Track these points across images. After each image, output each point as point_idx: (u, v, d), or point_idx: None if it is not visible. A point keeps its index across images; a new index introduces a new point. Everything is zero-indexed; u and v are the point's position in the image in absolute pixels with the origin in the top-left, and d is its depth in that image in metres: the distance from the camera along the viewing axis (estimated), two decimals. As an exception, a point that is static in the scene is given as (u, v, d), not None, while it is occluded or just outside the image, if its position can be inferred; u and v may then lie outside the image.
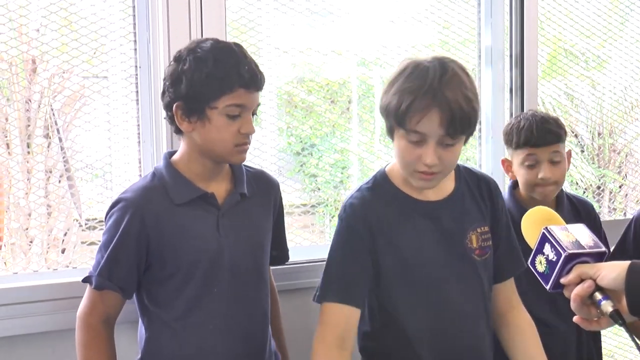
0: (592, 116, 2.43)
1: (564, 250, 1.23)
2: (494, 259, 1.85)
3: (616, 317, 1.17)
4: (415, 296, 1.75)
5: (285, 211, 2.06)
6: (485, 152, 2.87)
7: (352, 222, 1.73)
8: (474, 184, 1.84)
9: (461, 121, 1.61)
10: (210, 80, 1.70)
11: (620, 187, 3.79)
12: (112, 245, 1.75)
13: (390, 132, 1.69)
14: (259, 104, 1.81)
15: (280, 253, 2.04)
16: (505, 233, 1.88)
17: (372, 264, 1.74)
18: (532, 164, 2.18)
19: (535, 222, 1.34)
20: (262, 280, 1.89)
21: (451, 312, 1.77)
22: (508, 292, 1.90)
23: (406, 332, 1.75)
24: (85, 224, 2.65)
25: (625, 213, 3.66)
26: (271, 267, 2.02)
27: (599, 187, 3.42)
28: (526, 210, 2.11)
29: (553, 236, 1.25)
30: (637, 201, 3.74)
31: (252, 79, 1.73)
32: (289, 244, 2.10)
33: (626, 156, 3.74)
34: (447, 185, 1.79)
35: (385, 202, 1.75)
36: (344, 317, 1.70)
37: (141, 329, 1.86)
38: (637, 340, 1.16)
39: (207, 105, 1.72)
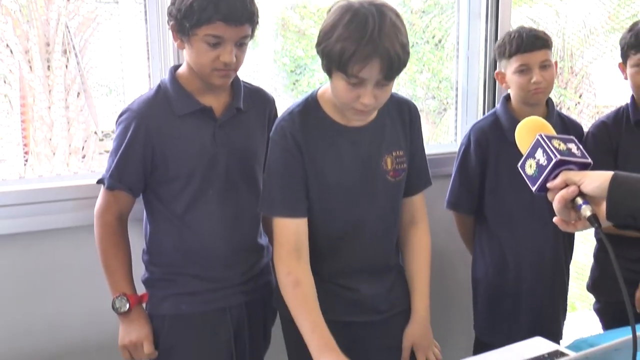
0: (554, 41, 2.44)
1: (555, 156, 1.22)
2: (407, 178, 1.85)
3: (593, 221, 1.18)
4: (332, 214, 1.76)
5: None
6: (462, 71, 2.84)
7: (284, 143, 1.71)
8: (395, 109, 1.81)
9: (398, 66, 1.59)
10: (193, 9, 1.68)
11: (576, 105, 3.81)
12: (120, 151, 1.78)
13: (329, 72, 1.65)
14: (248, 35, 1.77)
15: None
16: (419, 152, 1.88)
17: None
18: (524, 70, 2.17)
19: (529, 130, 1.31)
20: (254, 186, 1.91)
21: (364, 226, 1.78)
22: (413, 207, 1.90)
23: (319, 247, 1.76)
24: (102, 135, 2.68)
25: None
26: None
27: (557, 105, 3.43)
28: (518, 121, 2.14)
29: (546, 142, 1.25)
30: (591, 117, 3.77)
31: (232, 14, 1.69)
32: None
33: (582, 78, 3.76)
34: None
35: (313, 127, 1.72)
36: (294, 230, 1.70)
37: (146, 225, 1.90)
38: (609, 245, 1.16)
39: (190, 31, 1.71)
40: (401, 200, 1.86)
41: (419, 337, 1.83)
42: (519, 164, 1.30)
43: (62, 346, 2.16)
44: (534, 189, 1.27)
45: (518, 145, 1.32)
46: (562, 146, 1.25)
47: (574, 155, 1.25)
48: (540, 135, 1.26)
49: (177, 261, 1.86)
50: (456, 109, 2.87)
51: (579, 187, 1.20)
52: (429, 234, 1.91)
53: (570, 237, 2.32)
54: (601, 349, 1.41)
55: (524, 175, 1.29)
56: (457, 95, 2.87)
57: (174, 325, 1.86)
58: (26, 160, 2.55)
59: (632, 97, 2.23)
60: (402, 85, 2.89)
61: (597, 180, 1.18)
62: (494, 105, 2.75)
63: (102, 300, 1.90)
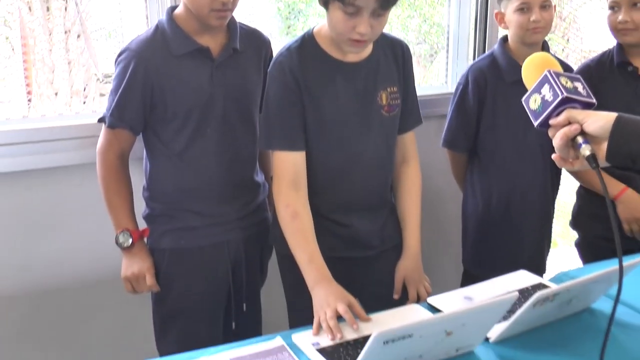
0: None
1: (562, 93, 1.19)
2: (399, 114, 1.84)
3: (591, 161, 1.16)
4: (329, 148, 1.74)
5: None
6: (454, 16, 2.78)
7: (282, 79, 1.69)
8: (389, 48, 1.79)
9: None
10: None
11: (563, 49, 3.77)
12: (120, 90, 1.76)
13: (325, 4, 1.62)
14: None
15: None
16: (411, 92, 1.86)
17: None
18: (525, 9, 2.11)
19: (537, 65, 1.28)
20: (251, 125, 1.89)
21: (360, 160, 1.77)
22: (405, 146, 1.88)
23: (317, 182, 1.75)
24: (103, 77, 2.65)
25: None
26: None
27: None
28: (516, 62, 2.13)
29: (554, 79, 1.21)
30: (576, 62, 3.73)
31: None
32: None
33: (570, 23, 3.70)
34: (366, 48, 1.74)
35: (311, 62, 1.70)
36: (293, 163, 1.69)
37: (146, 163, 1.89)
38: (605, 184, 1.15)
39: None
40: (395, 136, 1.84)
41: (411, 271, 1.83)
42: (523, 98, 1.27)
43: (68, 280, 2.18)
44: (536, 123, 1.25)
45: (524, 79, 1.29)
46: (569, 84, 1.22)
47: (579, 94, 1.22)
48: (549, 71, 1.23)
49: (176, 198, 1.85)
50: (447, 52, 2.84)
51: (581, 125, 1.18)
52: (420, 171, 1.90)
53: (557, 177, 2.32)
54: (581, 281, 1.42)
55: (527, 109, 1.26)
56: (448, 39, 2.83)
57: (174, 259, 1.87)
58: (29, 101, 2.52)
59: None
60: (394, 31, 2.85)
61: (600, 120, 1.16)
62: (484, 50, 2.73)
63: (104, 235, 1.91)
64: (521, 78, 2.10)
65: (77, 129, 2.08)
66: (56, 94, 2.90)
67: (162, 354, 1.87)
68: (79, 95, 2.94)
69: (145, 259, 1.84)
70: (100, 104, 2.53)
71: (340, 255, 1.78)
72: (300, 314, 1.56)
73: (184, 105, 1.78)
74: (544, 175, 2.23)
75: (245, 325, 1.99)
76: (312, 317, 1.52)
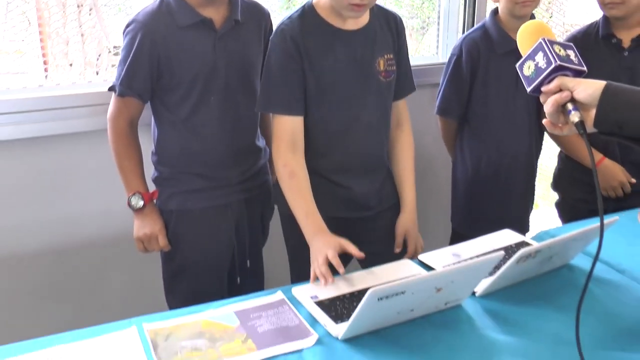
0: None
1: (555, 61, 1.16)
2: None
3: (579, 127, 1.13)
4: (329, 111, 1.72)
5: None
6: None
7: (284, 46, 1.66)
8: (384, 19, 1.77)
9: None
10: None
11: (546, 23, 3.70)
12: (129, 60, 1.72)
13: None
14: None
15: None
16: (405, 61, 1.84)
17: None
18: None
19: (532, 33, 1.24)
20: (252, 93, 1.85)
21: (358, 123, 1.74)
22: (399, 111, 1.86)
23: (317, 144, 1.74)
24: (114, 49, 2.61)
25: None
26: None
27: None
28: (507, 34, 2.10)
29: (549, 47, 1.18)
30: (559, 36, 3.68)
31: None
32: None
33: (554, -4, 3.64)
34: (363, 18, 1.72)
35: (311, 30, 1.67)
36: (291, 126, 1.67)
37: (154, 129, 1.86)
38: (591, 149, 1.13)
39: None
40: (391, 102, 1.82)
41: (411, 226, 1.83)
42: (517, 64, 1.24)
43: (84, 239, 2.17)
44: (529, 89, 1.22)
45: (519, 46, 1.26)
46: (562, 52, 1.18)
47: (571, 62, 1.18)
48: (544, 39, 1.19)
49: (182, 162, 1.82)
50: (438, 25, 2.80)
51: (572, 92, 1.15)
52: (412, 135, 1.89)
53: (540, 143, 2.30)
54: (561, 239, 1.41)
55: (520, 75, 1.23)
56: (439, 13, 2.79)
57: (181, 219, 1.85)
58: (46, 72, 2.49)
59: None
60: (388, 5, 2.81)
61: (590, 88, 1.13)
62: (473, 24, 2.69)
63: (116, 197, 1.89)
64: (511, 49, 2.09)
65: (90, 97, 2.05)
66: (71, 65, 2.86)
67: (171, 308, 1.86)
68: (92, 66, 2.91)
69: (156, 220, 1.83)
70: (111, 74, 2.49)
71: (340, 216, 1.77)
72: (301, 268, 1.57)
73: (189, 74, 1.74)
74: (529, 141, 2.21)
75: (248, 281, 1.99)
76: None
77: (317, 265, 1.50)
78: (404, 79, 1.83)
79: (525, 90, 2.13)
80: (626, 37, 2.10)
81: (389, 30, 1.77)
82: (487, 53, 2.14)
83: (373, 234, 1.86)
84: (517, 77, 2.08)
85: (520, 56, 1.26)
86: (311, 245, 1.59)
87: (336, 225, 1.65)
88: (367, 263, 1.58)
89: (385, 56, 1.74)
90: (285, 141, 1.67)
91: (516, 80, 2.11)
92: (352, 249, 1.55)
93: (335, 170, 1.77)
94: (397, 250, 1.82)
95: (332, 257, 1.49)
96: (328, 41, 1.68)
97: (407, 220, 1.83)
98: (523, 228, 2.30)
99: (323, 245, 1.54)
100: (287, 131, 1.67)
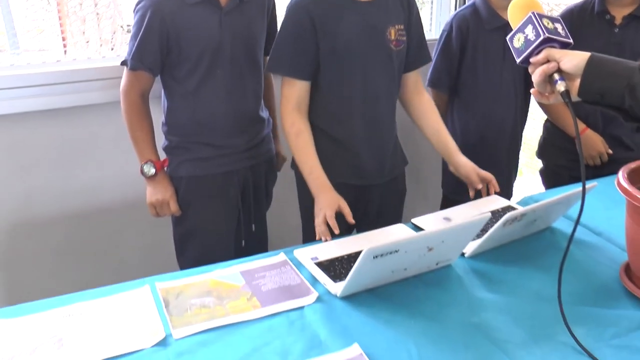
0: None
1: (544, 33, 1.14)
2: (409, 53, 1.80)
3: (565, 96, 1.12)
4: (341, 78, 1.71)
5: (277, 13, 1.95)
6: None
7: (298, 15, 1.65)
8: None
9: None
10: None
11: None
12: (140, 36, 1.69)
13: None
14: None
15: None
16: (418, 33, 1.82)
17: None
18: None
19: (522, 7, 1.21)
20: (256, 67, 1.84)
21: (369, 88, 1.73)
22: (416, 79, 1.86)
23: (331, 110, 1.74)
24: (127, 27, 2.57)
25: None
26: (267, 57, 1.98)
27: None
28: (495, 11, 2.08)
29: (538, 20, 1.16)
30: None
31: None
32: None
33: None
34: None
35: (325, 1, 1.66)
36: (298, 89, 1.69)
37: (164, 101, 1.84)
38: (576, 117, 1.11)
39: None
40: (401, 72, 1.81)
41: (474, 165, 1.77)
42: (508, 36, 1.21)
43: (100, 204, 2.16)
44: (518, 60, 1.19)
45: (509, 19, 1.22)
46: (550, 25, 1.16)
47: (559, 34, 1.16)
48: (533, 13, 1.16)
49: (191, 131, 1.80)
50: (432, 3, 2.77)
51: (558, 63, 1.13)
52: None
53: (525, 113, 2.28)
54: (544, 203, 1.40)
55: (511, 47, 1.20)
56: (433, -9, 2.75)
57: (190, 186, 1.83)
58: (65, 48, 2.46)
59: None
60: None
61: (575, 59, 1.11)
62: (464, 2, 2.64)
63: (130, 165, 1.88)
64: (499, 26, 2.05)
65: (104, 71, 2.02)
66: (87, 42, 2.83)
67: (182, 269, 1.86)
68: (107, 43, 2.87)
69: (167, 187, 1.81)
70: (125, 50, 2.47)
71: (348, 182, 1.77)
72: (313, 230, 1.58)
73: (196, 49, 1.71)
74: (515, 111, 2.19)
75: (253, 244, 1.98)
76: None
77: (317, 223, 1.55)
78: (418, 50, 1.82)
79: (512, 64, 2.12)
80: (619, 15, 2.07)
81: (400, 4, 1.75)
82: (476, 29, 2.10)
83: (380, 202, 1.85)
84: (504, 51, 2.09)
85: (507, 32, 1.23)
86: (316, 202, 1.62)
87: (343, 190, 1.65)
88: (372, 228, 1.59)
89: (397, 26, 1.72)
90: (292, 103, 1.69)
91: (503, 54, 2.08)
92: (346, 213, 1.57)
93: (345, 137, 1.76)
94: (479, 187, 1.73)
95: (330, 217, 1.53)
96: (342, 11, 1.66)
97: (468, 161, 1.78)
98: (508, 194, 2.29)
99: (324, 204, 1.58)
100: (294, 94, 1.69)
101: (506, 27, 2.01)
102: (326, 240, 1.50)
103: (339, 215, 1.57)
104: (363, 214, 1.81)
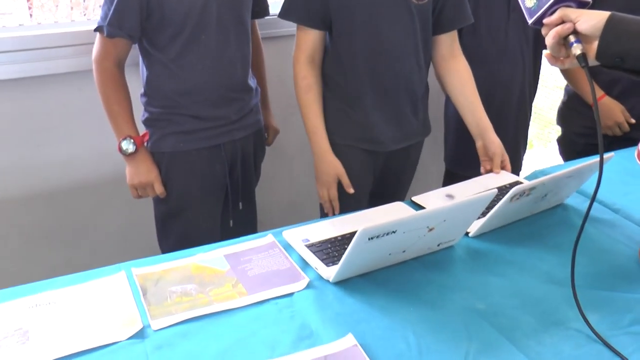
0: None
1: None
2: (443, 12, 1.78)
3: (581, 59, 1.10)
4: (351, 29, 1.71)
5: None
6: None
7: None
8: None
9: None
10: None
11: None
12: None
13: None
14: None
15: (260, 8, 1.94)
16: None
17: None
18: None
19: None
20: (244, 30, 1.80)
21: (383, 44, 1.72)
22: (451, 42, 1.84)
23: (341, 56, 1.76)
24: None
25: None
26: (256, 20, 1.95)
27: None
28: None
29: None
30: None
31: None
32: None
33: None
34: None
35: None
36: (312, 40, 1.74)
37: (143, 69, 1.80)
38: (593, 83, 1.09)
39: None
40: (427, 31, 1.78)
41: (501, 145, 1.78)
42: None
43: (72, 182, 2.14)
44: (530, 21, 1.17)
45: None
46: None
47: None
48: None
49: (174, 102, 1.76)
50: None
51: (574, 24, 1.10)
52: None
53: (535, 79, 2.25)
54: (555, 176, 1.38)
55: (522, 6, 1.18)
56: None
57: (173, 162, 1.81)
58: (30, 11, 2.41)
59: None
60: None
61: (593, 19, 1.08)
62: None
63: (105, 138, 1.85)
64: (503, -17, 2.01)
65: (73, 37, 1.97)
66: (57, 5, 2.77)
67: (164, 252, 1.84)
68: (79, 7, 2.82)
69: (151, 167, 1.78)
70: (97, 14, 2.42)
71: (355, 145, 1.80)
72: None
73: (180, 11, 1.67)
74: (522, 76, 2.17)
75: (242, 223, 1.97)
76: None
77: (321, 199, 1.80)
78: (453, 10, 1.79)
79: (518, 24, 2.08)
80: None
81: None
82: None
83: (387, 172, 1.86)
84: (509, 10, 2.05)
85: None
86: (315, 165, 1.78)
87: (351, 155, 1.73)
88: (377, 201, 1.61)
89: None
90: (305, 54, 1.76)
91: (507, 13, 2.06)
92: (345, 183, 1.73)
93: (355, 95, 1.77)
94: (497, 171, 1.74)
95: (333, 198, 1.75)
96: None
97: (499, 140, 1.78)
98: (516, 168, 2.28)
99: (322, 176, 1.77)
100: (308, 44, 1.75)
101: None
102: (334, 214, 1.71)
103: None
104: (373, 182, 1.81)
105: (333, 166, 1.75)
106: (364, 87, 1.76)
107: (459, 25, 1.83)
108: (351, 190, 1.73)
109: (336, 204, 1.77)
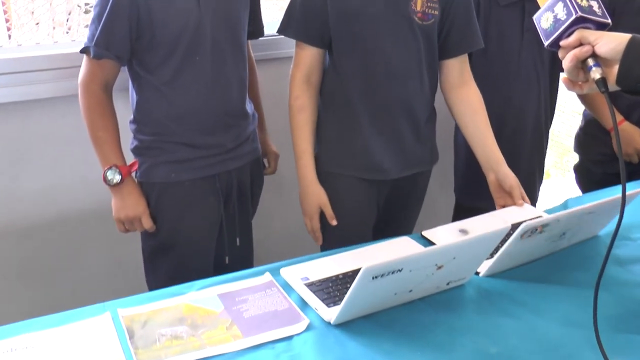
0: None
1: (576, 12, 1.12)
2: (450, 35, 1.80)
3: (601, 85, 1.10)
4: (350, 48, 1.75)
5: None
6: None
7: None
8: None
9: None
10: None
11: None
12: (105, 17, 1.65)
13: None
14: None
15: (255, 29, 1.96)
16: (464, 11, 1.81)
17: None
18: None
19: None
20: (240, 52, 1.83)
21: (384, 64, 1.75)
22: (461, 68, 1.86)
23: (341, 76, 1.79)
24: (85, 7, 2.55)
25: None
26: (249, 40, 1.97)
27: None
28: None
29: None
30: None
31: None
32: (265, 20, 2.01)
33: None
34: None
35: None
36: (309, 57, 1.79)
37: (132, 93, 1.81)
38: (614, 108, 1.11)
39: None
40: (433, 52, 1.81)
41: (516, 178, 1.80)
42: (535, 15, 1.20)
43: (53, 215, 2.14)
44: (546, 44, 1.18)
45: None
46: (584, 2, 1.14)
47: (594, 13, 1.14)
48: None
49: (166, 129, 1.78)
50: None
51: (593, 47, 1.11)
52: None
53: (552, 104, 2.27)
54: (574, 212, 1.38)
55: (538, 28, 1.19)
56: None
57: (164, 193, 1.81)
58: (9, 31, 2.43)
59: None
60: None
61: (613, 42, 1.09)
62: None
63: (90, 169, 1.87)
64: (515, 1, 2.04)
65: (56, 60, 2.00)
66: (37, 24, 2.80)
67: (151, 289, 1.84)
68: (62, 26, 2.85)
69: (139, 201, 1.78)
70: (83, 35, 2.45)
71: (353, 175, 1.83)
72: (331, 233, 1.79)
73: (172, 31, 1.69)
74: (538, 101, 2.19)
75: (238, 260, 1.96)
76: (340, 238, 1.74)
77: (308, 231, 1.85)
78: (460, 33, 1.82)
79: (533, 46, 2.11)
80: None
81: None
82: (488, 5, 2.09)
83: (390, 203, 1.89)
84: (522, 30, 2.08)
85: (524, 9, 1.22)
86: (299, 194, 1.84)
87: (350, 186, 1.77)
88: (381, 235, 1.65)
89: None
90: (302, 72, 1.80)
91: (521, 34, 2.08)
92: (327, 214, 1.79)
93: (352, 118, 1.80)
94: (520, 203, 1.76)
95: (315, 229, 1.82)
96: None
97: (512, 174, 1.79)
98: (532, 199, 2.27)
99: (305, 206, 1.83)
100: (305, 61, 1.80)
101: (524, 3, 2.01)
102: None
103: None
104: (377, 214, 1.84)
105: (317, 196, 1.80)
106: (362, 108, 1.78)
107: (467, 50, 1.86)
108: (334, 222, 1.79)
109: (318, 235, 1.83)
